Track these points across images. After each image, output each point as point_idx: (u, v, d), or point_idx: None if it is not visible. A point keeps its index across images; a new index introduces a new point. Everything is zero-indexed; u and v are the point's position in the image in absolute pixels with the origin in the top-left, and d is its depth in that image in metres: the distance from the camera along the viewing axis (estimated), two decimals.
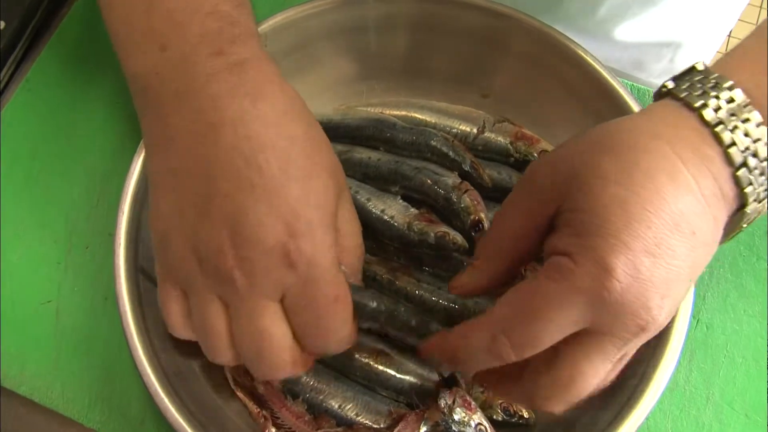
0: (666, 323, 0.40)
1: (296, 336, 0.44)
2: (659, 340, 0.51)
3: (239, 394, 0.55)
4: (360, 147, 0.62)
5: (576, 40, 0.58)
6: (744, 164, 0.38)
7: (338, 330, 0.45)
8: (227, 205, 0.41)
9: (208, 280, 0.43)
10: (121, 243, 0.53)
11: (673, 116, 0.40)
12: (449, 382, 0.54)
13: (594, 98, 0.58)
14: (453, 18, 0.61)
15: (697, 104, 0.39)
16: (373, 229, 0.58)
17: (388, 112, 0.64)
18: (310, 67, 0.64)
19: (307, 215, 0.42)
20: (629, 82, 0.67)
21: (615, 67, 0.60)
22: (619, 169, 0.37)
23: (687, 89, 0.40)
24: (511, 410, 0.54)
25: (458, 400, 0.52)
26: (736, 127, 0.38)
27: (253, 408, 0.54)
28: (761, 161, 0.39)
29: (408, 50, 0.64)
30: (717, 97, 0.39)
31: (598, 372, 0.39)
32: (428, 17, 0.61)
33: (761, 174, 0.39)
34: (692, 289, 0.52)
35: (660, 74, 0.79)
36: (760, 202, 0.40)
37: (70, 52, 0.70)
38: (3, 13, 0.69)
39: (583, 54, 0.58)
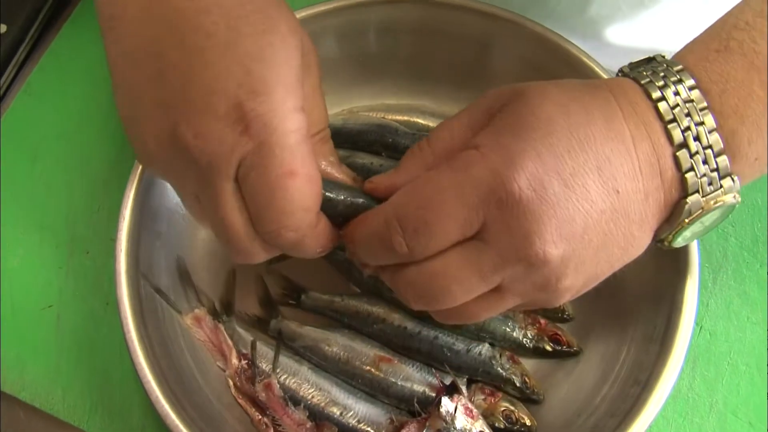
0: (563, 290, 0.39)
1: (252, 220, 0.40)
2: (662, 347, 0.51)
3: (240, 401, 0.54)
4: (361, 152, 0.61)
5: None
6: (685, 145, 0.37)
7: (292, 214, 0.38)
8: (177, 78, 0.37)
9: (179, 163, 0.39)
10: (122, 249, 0.53)
11: (624, 83, 0.40)
12: (451, 390, 0.54)
13: None
14: (454, 22, 0.60)
15: (644, 81, 0.39)
16: None
17: (389, 116, 0.64)
18: None
19: (261, 72, 0.37)
20: None
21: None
22: (561, 94, 0.38)
23: (638, 69, 0.41)
24: (513, 417, 0.54)
25: (460, 408, 0.52)
26: (677, 105, 0.38)
27: (255, 415, 0.54)
28: (704, 147, 0.38)
29: (410, 54, 0.63)
30: (666, 79, 0.39)
31: (463, 279, 0.38)
32: (430, 21, 0.61)
33: (704, 162, 0.38)
34: (696, 296, 0.52)
35: None
36: (704, 196, 0.39)
37: (72, 56, 0.70)
38: (4, 17, 0.69)
39: (585, 59, 0.57)
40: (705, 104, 0.38)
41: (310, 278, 0.60)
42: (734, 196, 0.40)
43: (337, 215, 0.44)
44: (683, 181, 0.38)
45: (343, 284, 0.60)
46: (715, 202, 0.39)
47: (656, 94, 0.38)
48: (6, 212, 0.64)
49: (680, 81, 0.38)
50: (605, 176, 0.36)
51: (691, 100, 0.38)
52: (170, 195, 0.58)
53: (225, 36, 0.37)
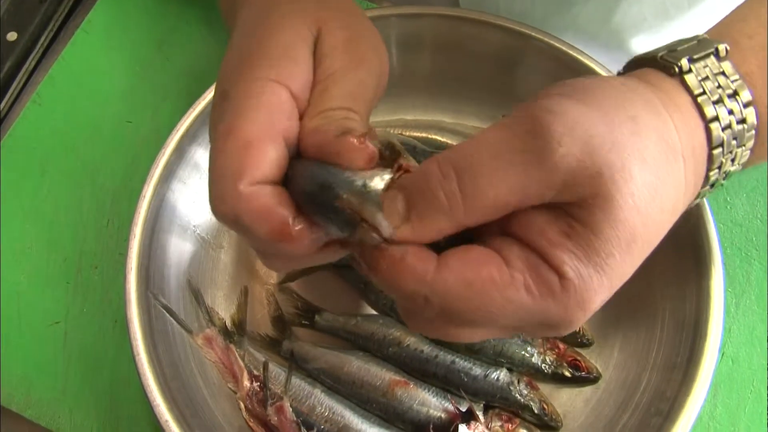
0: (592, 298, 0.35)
1: None
2: (685, 376, 0.50)
3: (251, 424, 0.53)
4: None
5: (588, 51, 0.57)
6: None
7: (216, 181, 0.35)
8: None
9: None
10: (132, 267, 0.52)
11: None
12: (467, 416, 0.53)
13: None
14: (476, 38, 0.59)
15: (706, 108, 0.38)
16: None
17: (407, 133, 0.63)
18: None
19: (250, 46, 0.39)
20: None
21: None
22: (649, 202, 0.34)
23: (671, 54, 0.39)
24: None
25: None
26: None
27: None
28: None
29: (430, 69, 0.62)
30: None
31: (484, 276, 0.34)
32: (451, 36, 0.60)
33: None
34: (721, 323, 0.50)
35: None
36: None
37: (83, 66, 0.69)
38: (14, 25, 0.68)
39: (605, 74, 0.56)
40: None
41: (325, 298, 0.59)
42: None
43: (316, 205, 0.35)
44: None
45: (358, 304, 0.59)
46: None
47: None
48: (13, 225, 0.62)
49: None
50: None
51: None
52: (182, 211, 0.57)
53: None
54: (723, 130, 0.38)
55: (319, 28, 0.40)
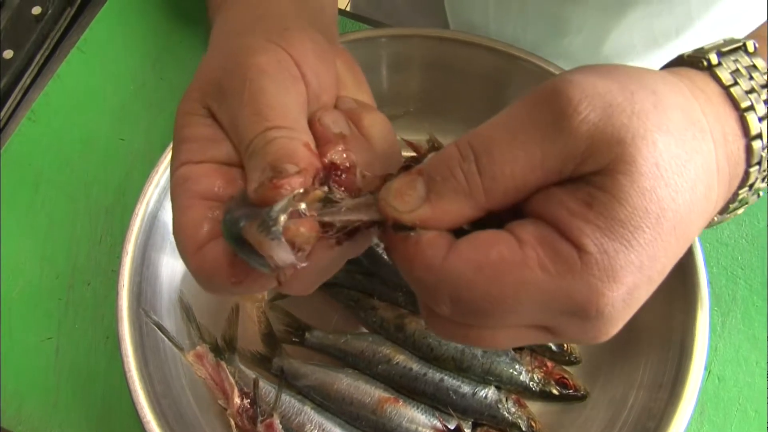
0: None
1: None
2: (672, 394, 0.50)
3: None
4: None
5: None
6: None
7: (183, 257, 0.36)
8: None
9: None
10: (124, 284, 0.52)
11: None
12: None
13: None
14: (466, 59, 0.60)
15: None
16: (381, 275, 0.57)
17: None
18: None
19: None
20: None
21: None
22: (675, 170, 0.31)
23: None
24: None
25: None
26: None
27: None
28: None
29: (420, 90, 0.63)
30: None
31: (516, 342, 0.34)
32: (441, 57, 0.60)
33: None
34: (707, 341, 0.51)
35: None
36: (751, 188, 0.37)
37: (77, 84, 0.69)
38: (10, 42, 0.69)
39: None
40: None
41: (315, 315, 0.59)
42: None
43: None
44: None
45: (348, 322, 0.59)
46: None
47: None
48: (6, 241, 0.63)
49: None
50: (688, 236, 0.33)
51: None
52: None
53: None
54: (760, 120, 0.35)
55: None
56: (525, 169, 0.31)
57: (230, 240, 0.34)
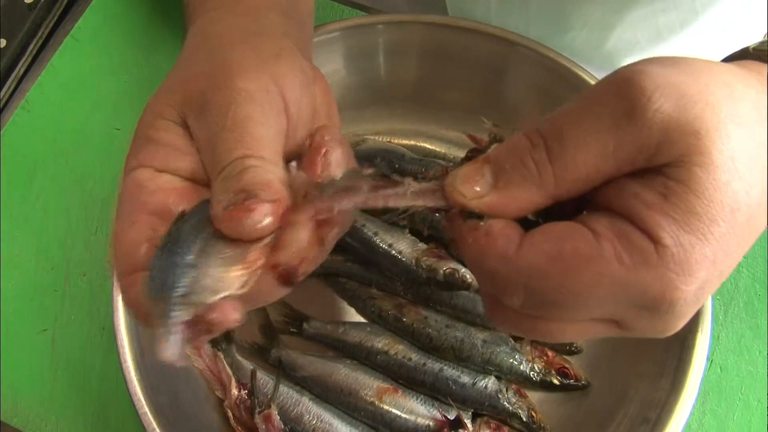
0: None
1: None
2: (673, 384, 0.50)
3: None
4: None
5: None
6: None
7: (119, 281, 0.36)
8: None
9: None
10: None
11: None
12: (455, 424, 0.52)
13: None
14: (464, 46, 0.59)
15: None
16: (379, 264, 0.56)
17: (396, 141, 0.63)
18: None
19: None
20: None
21: None
22: (748, 164, 0.30)
23: None
24: None
25: None
26: None
27: None
28: None
29: (418, 77, 0.62)
30: None
31: (584, 334, 0.33)
32: (439, 44, 0.60)
33: None
34: (709, 331, 0.50)
35: None
36: None
37: (72, 73, 0.69)
38: (4, 31, 0.68)
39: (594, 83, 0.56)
40: None
41: (313, 305, 0.59)
42: None
43: None
44: None
45: (346, 312, 0.58)
46: None
47: None
48: (1, 233, 0.62)
49: None
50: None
51: None
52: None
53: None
54: None
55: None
56: (597, 157, 0.30)
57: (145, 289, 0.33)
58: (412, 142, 0.63)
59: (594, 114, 0.30)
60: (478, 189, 0.31)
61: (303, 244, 0.34)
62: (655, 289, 0.30)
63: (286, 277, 0.34)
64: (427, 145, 0.62)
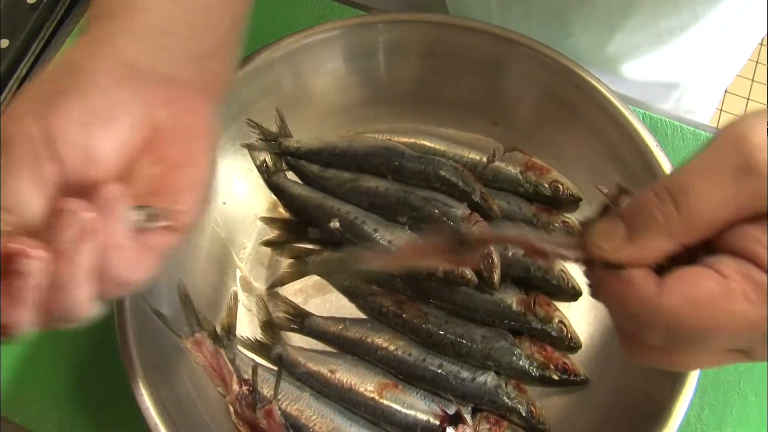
0: None
1: None
2: (672, 380, 0.50)
3: (240, 428, 0.54)
4: (367, 175, 0.61)
5: None
6: None
7: None
8: None
9: None
10: None
11: None
12: (455, 419, 0.53)
13: (605, 127, 0.57)
14: (464, 44, 0.60)
15: None
16: None
17: (396, 139, 0.63)
18: (318, 92, 0.63)
19: None
20: (641, 111, 0.66)
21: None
22: None
23: None
24: None
25: None
26: None
27: None
28: None
29: (418, 76, 0.63)
30: None
31: (709, 365, 0.36)
32: (439, 43, 0.60)
33: None
34: None
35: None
36: None
37: None
38: (6, 32, 0.68)
39: (594, 82, 0.57)
40: None
41: (313, 303, 0.59)
42: None
43: None
44: None
45: (347, 309, 0.59)
46: None
47: None
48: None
49: None
50: None
51: None
52: None
53: None
54: None
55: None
56: (719, 206, 0.33)
57: None
58: (412, 140, 0.63)
59: (713, 167, 0.33)
60: (615, 243, 0.35)
61: None
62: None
63: None
64: (427, 143, 0.63)
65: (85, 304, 0.37)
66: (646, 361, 0.38)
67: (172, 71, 0.43)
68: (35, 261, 0.33)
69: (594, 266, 0.36)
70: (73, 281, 0.36)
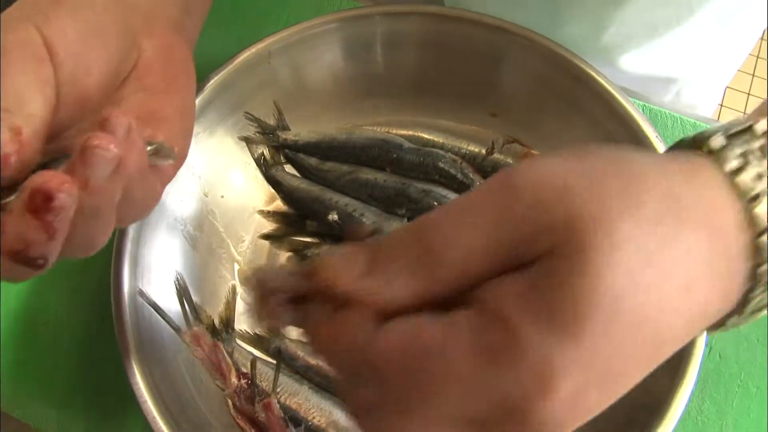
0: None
1: None
2: (672, 371, 0.50)
3: (239, 421, 0.53)
4: (366, 168, 0.61)
5: None
6: None
7: None
8: None
9: None
10: (122, 265, 0.52)
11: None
12: None
13: (604, 118, 0.57)
14: (462, 35, 0.59)
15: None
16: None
17: (394, 131, 0.63)
18: (315, 84, 0.63)
19: None
20: (640, 102, 0.65)
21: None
22: (634, 254, 0.27)
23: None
24: None
25: None
26: None
27: None
28: None
29: (416, 68, 0.62)
30: None
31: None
32: (437, 34, 0.60)
33: None
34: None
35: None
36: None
37: None
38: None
39: (593, 73, 0.57)
40: None
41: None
42: None
43: None
44: None
45: None
46: None
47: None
48: None
49: None
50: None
51: None
52: (169, 210, 0.57)
53: None
54: None
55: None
56: (469, 251, 0.29)
57: None
58: (411, 132, 0.63)
59: (470, 210, 0.29)
60: (349, 274, 0.30)
61: (20, 228, 0.33)
62: (511, 394, 0.27)
63: (19, 260, 0.33)
64: (425, 135, 0.62)
65: (106, 235, 0.37)
66: (365, 426, 0.31)
67: (151, 7, 0.43)
68: (66, 195, 0.32)
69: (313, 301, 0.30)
70: (98, 214, 0.35)
